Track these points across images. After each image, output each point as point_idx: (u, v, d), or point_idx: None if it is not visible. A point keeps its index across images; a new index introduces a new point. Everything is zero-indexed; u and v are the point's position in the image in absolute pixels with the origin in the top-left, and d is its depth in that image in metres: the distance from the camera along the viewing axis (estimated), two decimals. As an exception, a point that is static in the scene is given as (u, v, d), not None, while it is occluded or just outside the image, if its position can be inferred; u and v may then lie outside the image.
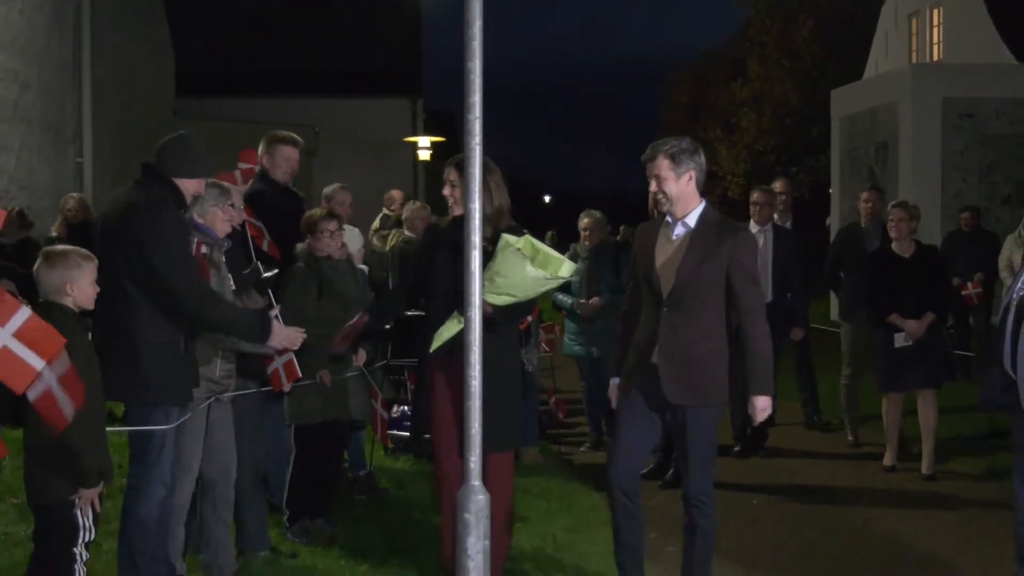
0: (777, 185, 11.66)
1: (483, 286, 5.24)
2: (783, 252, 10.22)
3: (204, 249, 6.12)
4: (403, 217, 10.57)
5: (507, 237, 5.48)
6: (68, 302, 5.03)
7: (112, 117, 16.56)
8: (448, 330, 5.62)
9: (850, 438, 10.67)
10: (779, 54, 38.42)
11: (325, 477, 7.64)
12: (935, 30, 25.50)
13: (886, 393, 9.33)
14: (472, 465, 5.20)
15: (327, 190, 8.58)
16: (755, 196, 10.66)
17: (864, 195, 10.92)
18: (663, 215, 5.71)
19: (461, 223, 5.48)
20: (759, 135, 39.00)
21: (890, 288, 8.81)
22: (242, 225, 6.62)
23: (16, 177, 13.76)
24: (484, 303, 5.26)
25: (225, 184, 6.45)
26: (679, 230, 5.48)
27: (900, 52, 26.88)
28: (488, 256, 5.36)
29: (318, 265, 7.20)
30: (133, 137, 16.40)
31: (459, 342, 5.39)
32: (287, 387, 6.36)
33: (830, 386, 11.63)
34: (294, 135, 7.80)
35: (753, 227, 10.19)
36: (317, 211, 7.74)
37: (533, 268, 5.43)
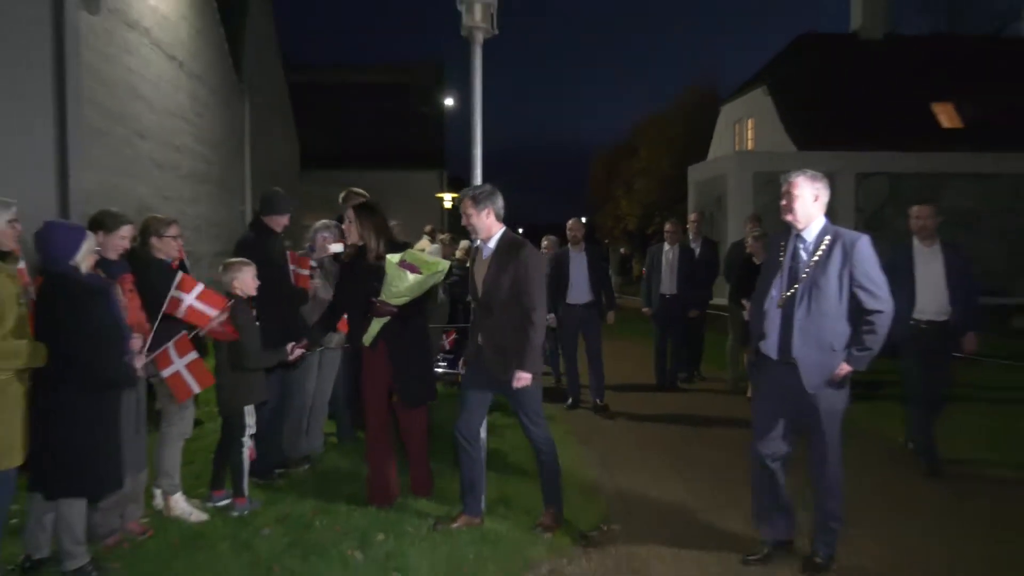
0: (692, 217, 10.81)
1: (385, 294, 4.96)
2: (685, 262, 9.52)
3: (312, 263, 6.21)
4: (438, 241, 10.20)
5: (389, 257, 4.96)
6: (237, 291, 5.17)
7: (262, 179, 16.88)
8: (373, 329, 5.06)
9: (728, 385, 9.66)
10: (658, 144, 39.07)
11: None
12: (749, 131, 26.31)
13: (743, 348, 8.26)
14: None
15: (391, 223, 7.95)
16: (668, 226, 9.82)
17: (749, 225, 9.84)
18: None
19: (363, 251, 5.22)
20: (646, 192, 39.56)
21: (749, 282, 7.43)
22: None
23: (205, 218, 14.31)
24: (389, 305, 4.97)
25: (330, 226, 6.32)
26: (486, 252, 4.81)
27: (728, 144, 27.57)
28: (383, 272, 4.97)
29: None
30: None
31: (381, 334, 5.05)
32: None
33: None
34: (359, 191, 6.90)
35: (666, 246, 9.60)
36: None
37: (411, 275, 4.89)
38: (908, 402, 6.36)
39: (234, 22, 16.55)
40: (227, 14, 15.93)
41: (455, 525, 4.86)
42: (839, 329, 4.11)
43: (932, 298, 5.94)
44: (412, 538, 4.67)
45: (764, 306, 4.30)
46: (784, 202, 4.21)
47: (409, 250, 5.11)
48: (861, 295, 4.09)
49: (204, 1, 14.74)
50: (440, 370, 8.85)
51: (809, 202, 4.17)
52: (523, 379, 4.66)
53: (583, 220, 9.06)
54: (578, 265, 8.54)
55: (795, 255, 4.20)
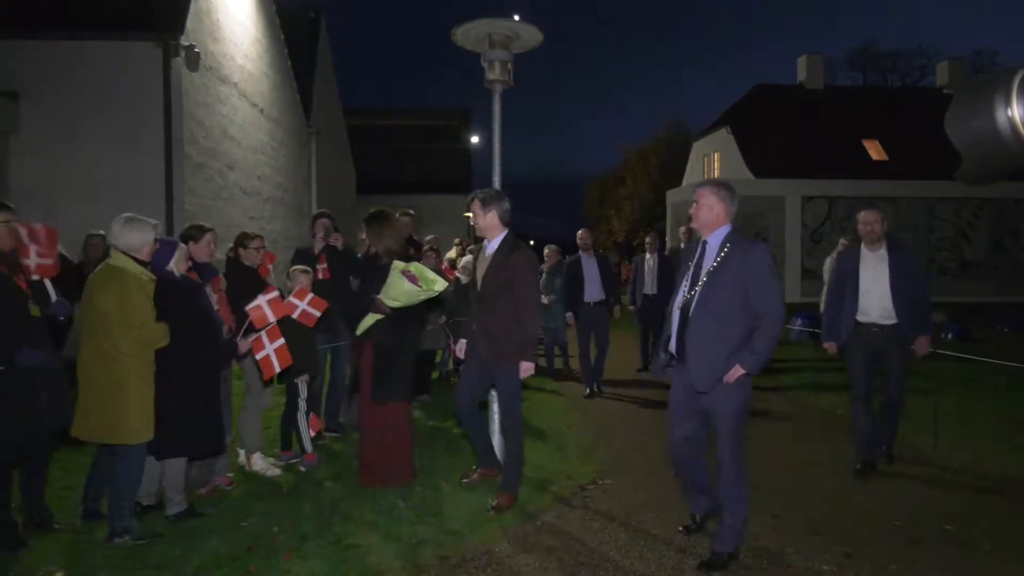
0: (682, 230, 9.64)
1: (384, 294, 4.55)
2: (663, 267, 9.01)
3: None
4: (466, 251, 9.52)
5: (396, 263, 4.56)
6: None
7: (326, 202, 16.20)
8: (366, 322, 4.63)
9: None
10: (641, 174, 38.94)
11: (425, 372, 7.38)
12: (716, 163, 25.98)
13: None
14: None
15: (427, 238, 8.02)
16: (647, 239, 9.40)
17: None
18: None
19: (375, 258, 4.84)
20: (632, 213, 39.37)
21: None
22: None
23: (281, 233, 14.11)
24: (383, 305, 4.55)
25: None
26: (489, 250, 4.36)
27: (699, 173, 27.30)
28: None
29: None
30: (337, 213, 16.34)
31: (370, 328, 4.62)
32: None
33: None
34: (408, 211, 7.20)
35: (647, 255, 9.20)
36: (425, 247, 7.48)
37: (407, 284, 4.46)
38: (852, 398, 5.12)
39: (304, 78, 16.61)
40: (298, 72, 16.01)
41: (474, 478, 4.71)
42: (731, 331, 3.43)
43: (876, 302, 4.88)
44: (444, 491, 4.62)
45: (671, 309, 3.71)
46: (691, 211, 3.65)
47: (416, 263, 4.64)
48: (752, 299, 3.43)
49: (281, 61, 14.79)
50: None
51: (714, 211, 3.58)
52: (527, 369, 4.22)
53: (590, 230, 8.68)
54: (590, 269, 8.09)
55: (700, 260, 3.60)
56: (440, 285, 4.53)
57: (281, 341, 4.53)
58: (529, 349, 4.23)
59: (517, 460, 4.37)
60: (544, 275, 9.15)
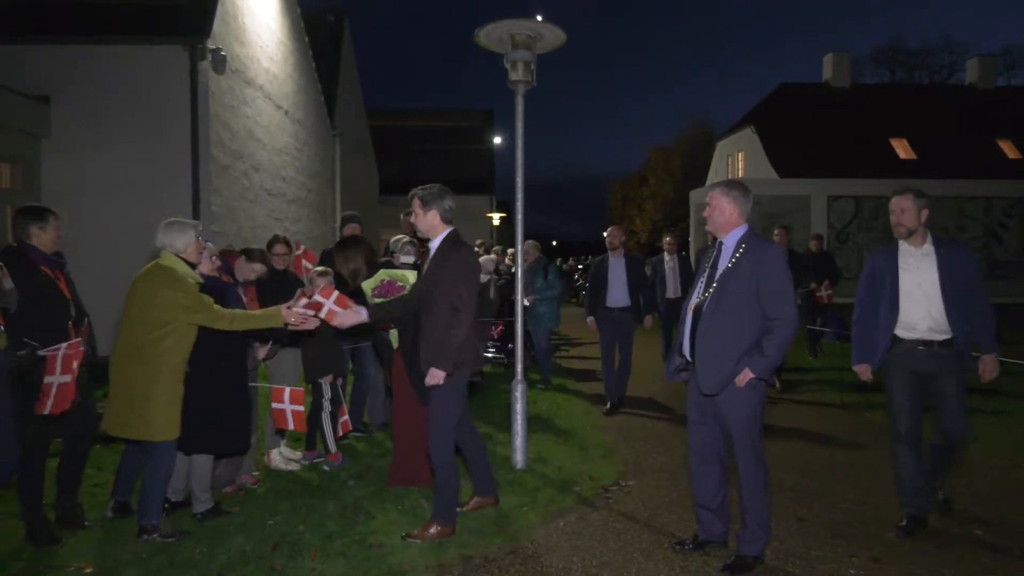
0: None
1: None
2: (684, 269, 8.70)
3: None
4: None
5: (364, 285, 4.58)
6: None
7: (350, 203, 16.61)
8: (393, 336, 4.61)
9: None
10: (664, 173, 38.78)
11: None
12: (740, 162, 25.83)
13: None
14: (518, 367, 4.92)
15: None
16: (667, 239, 8.92)
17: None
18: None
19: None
20: (654, 212, 39.25)
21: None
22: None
23: (305, 234, 14.12)
24: (383, 322, 4.48)
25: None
26: (431, 251, 4.00)
27: (723, 173, 27.07)
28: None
29: None
30: (360, 213, 16.16)
31: (400, 341, 4.42)
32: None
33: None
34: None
35: (666, 256, 8.78)
36: None
37: (378, 300, 4.43)
38: (894, 438, 4.00)
39: (328, 80, 16.72)
40: (322, 74, 16.13)
41: (469, 507, 4.29)
42: (743, 333, 3.34)
43: (923, 311, 3.86)
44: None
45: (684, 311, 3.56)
46: (705, 214, 3.55)
47: (384, 270, 4.62)
48: (763, 302, 3.33)
49: (305, 64, 14.91)
50: (489, 355, 8.75)
51: (726, 212, 3.49)
52: (435, 376, 3.71)
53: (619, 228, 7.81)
54: (617, 271, 7.26)
55: (716, 261, 3.51)
56: (412, 276, 4.53)
57: (300, 408, 4.48)
58: (445, 355, 3.73)
59: (442, 485, 3.87)
60: (524, 274, 8.61)
